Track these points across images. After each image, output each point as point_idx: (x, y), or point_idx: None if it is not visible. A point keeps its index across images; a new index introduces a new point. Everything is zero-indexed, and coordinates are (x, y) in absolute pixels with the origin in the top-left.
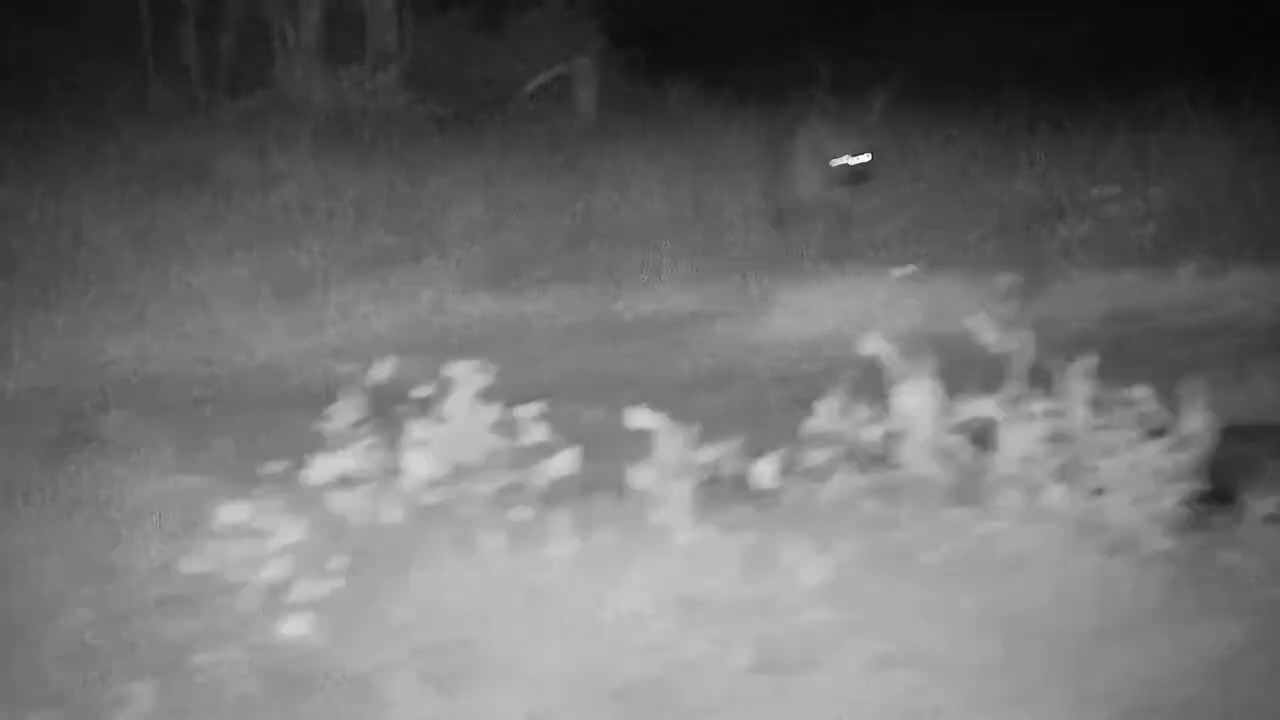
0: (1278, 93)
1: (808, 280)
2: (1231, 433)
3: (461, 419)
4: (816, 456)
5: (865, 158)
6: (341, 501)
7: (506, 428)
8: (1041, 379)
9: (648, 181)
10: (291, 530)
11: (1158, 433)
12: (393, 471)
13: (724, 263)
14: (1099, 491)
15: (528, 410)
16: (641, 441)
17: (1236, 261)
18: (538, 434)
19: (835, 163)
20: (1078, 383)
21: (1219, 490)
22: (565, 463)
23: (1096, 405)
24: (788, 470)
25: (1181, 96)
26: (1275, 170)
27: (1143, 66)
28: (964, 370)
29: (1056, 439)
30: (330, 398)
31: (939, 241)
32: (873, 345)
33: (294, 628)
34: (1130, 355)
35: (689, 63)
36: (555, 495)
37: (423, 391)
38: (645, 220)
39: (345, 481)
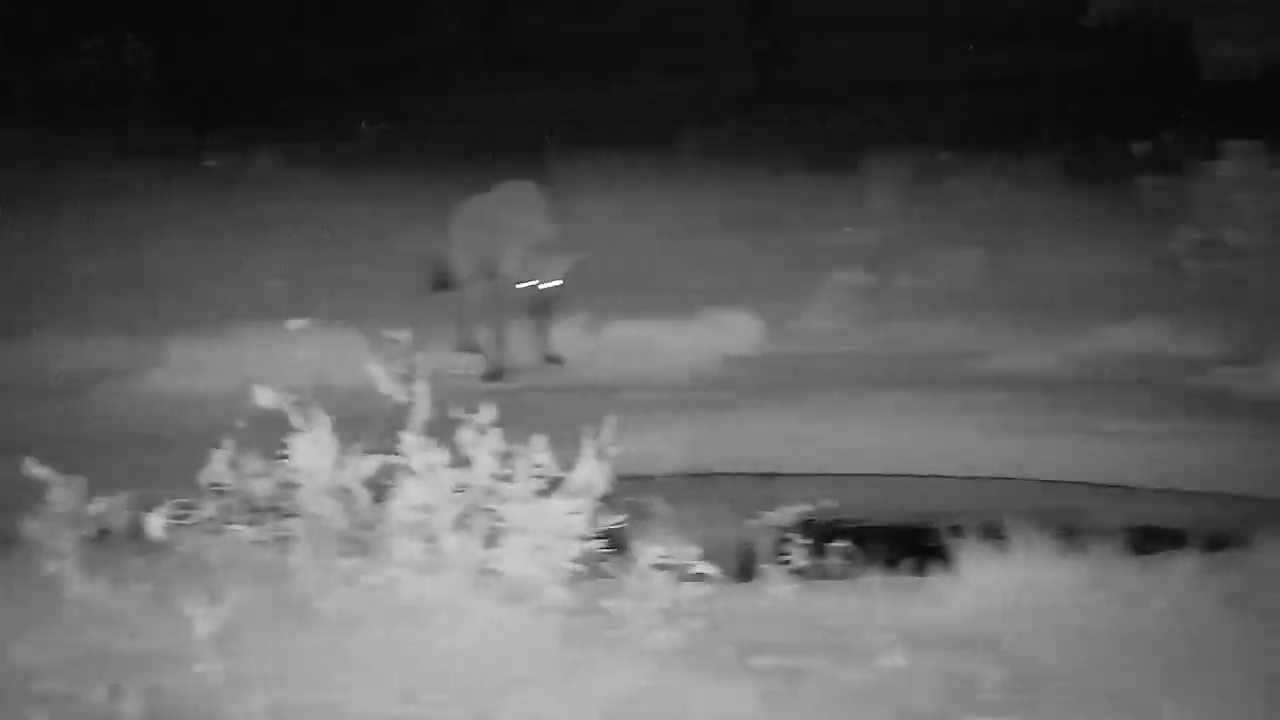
0: None
1: (201, 336)
2: (624, 482)
3: None
4: (210, 508)
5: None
6: None
7: None
8: (440, 430)
9: None
10: None
11: (553, 485)
12: None
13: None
14: (496, 541)
15: None
16: (34, 492)
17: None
18: None
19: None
20: (476, 434)
21: (611, 539)
22: None
23: (494, 457)
24: (180, 522)
25: None
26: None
27: None
28: (362, 421)
29: (454, 489)
30: None
31: (335, 295)
32: (266, 398)
33: None
34: (526, 408)
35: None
36: None
37: None
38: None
39: None
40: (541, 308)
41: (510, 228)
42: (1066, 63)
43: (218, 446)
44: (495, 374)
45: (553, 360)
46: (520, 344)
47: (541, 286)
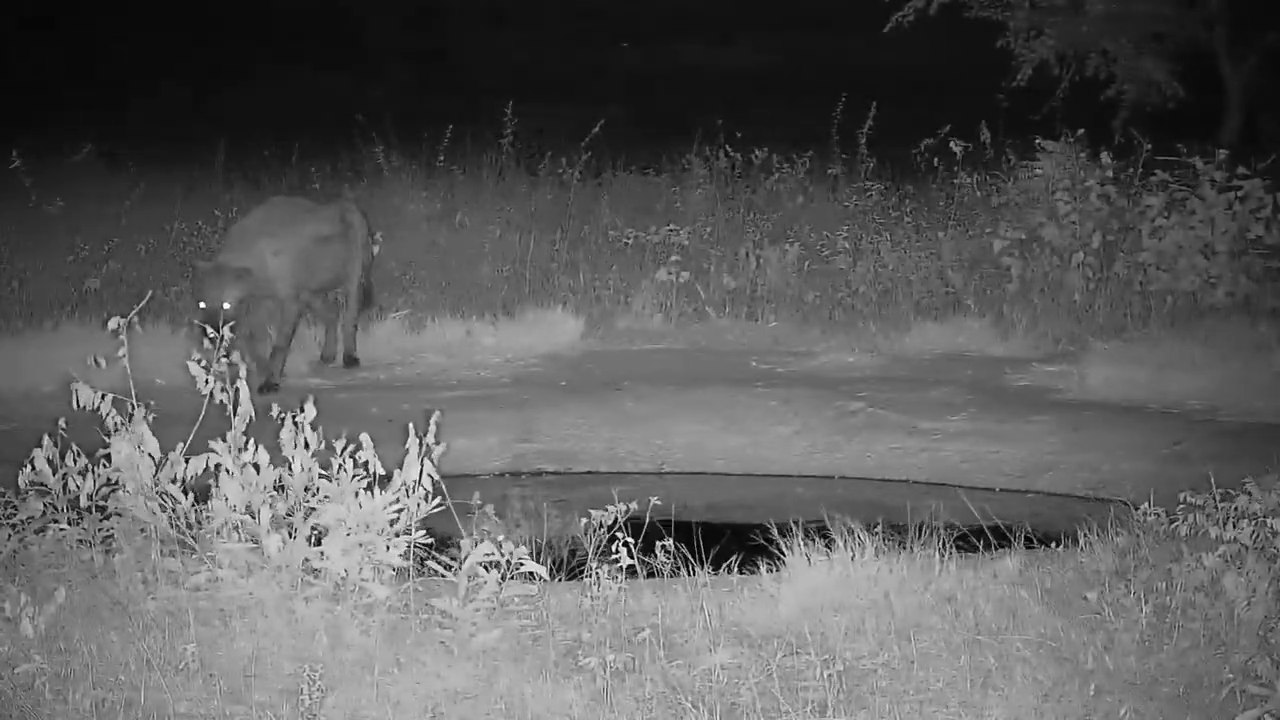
0: None
1: (6, 335)
2: (448, 480)
3: None
4: (30, 507)
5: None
6: None
7: None
8: (262, 430)
9: None
10: None
11: (379, 482)
12: None
13: None
14: (320, 539)
15: None
16: None
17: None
18: None
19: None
20: (299, 432)
21: (437, 537)
22: None
23: (317, 455)
24: (2, 521)
25: None
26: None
27: None
28: (183, 420)
29: (276, 488)
30: None
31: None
32: (85, 396)
33: None
34: (346, 406)
35: None
36: None
37: None
38: None
39: None
40: (337, 310)
41: (276, 240)
42: (881, 59)
43: (38, 445)
44: (269, 386)
45: (351, 362)
46: (323, 345)
47: (204, 307)
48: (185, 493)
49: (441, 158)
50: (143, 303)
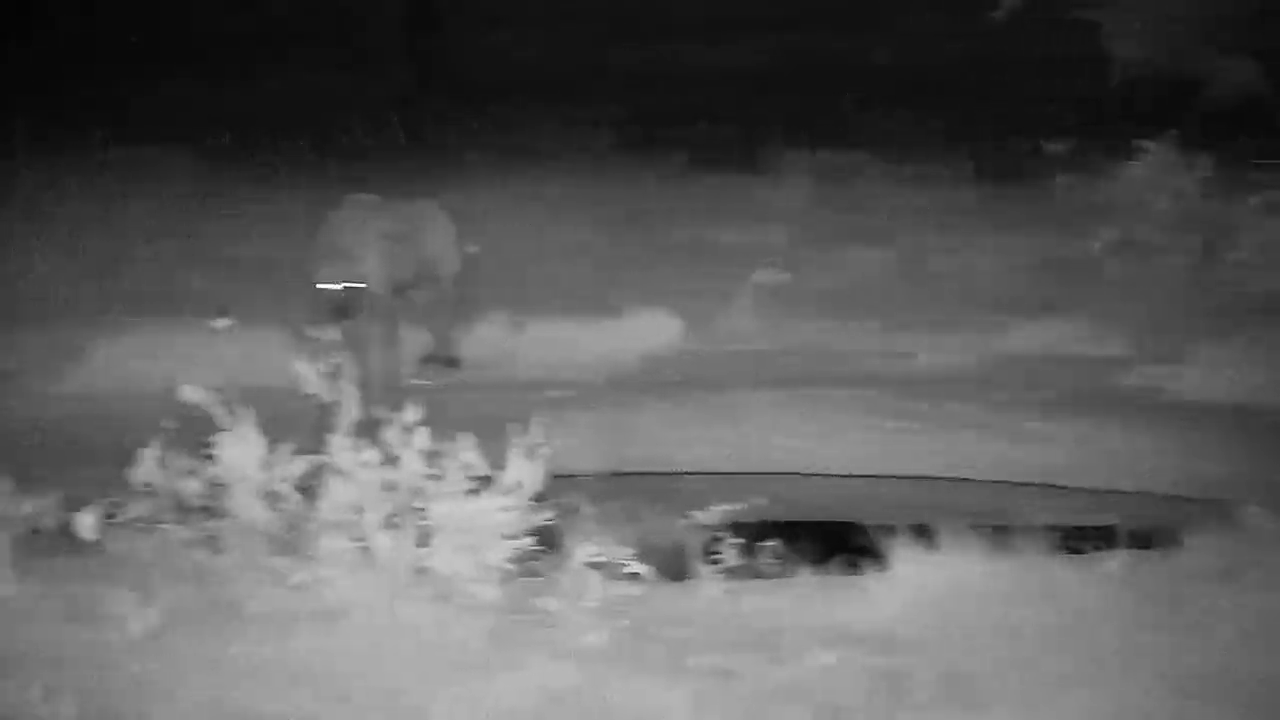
0: None
1: (123, 333)
2: (556, 480)
3: None
4: (139, 508)
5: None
6: None
7: None
8: (369, 429)
9: None
10: None
11: (484, 483)
12: None
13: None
14: (426, 540)
15: None
16: None
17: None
18: None
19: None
20: (405, 433)
21: (543, 537)
22: None
23: (423, 456)
24: (110, 521)
25: None
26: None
27: None
28: (289, 420)
29: (384, 488)
30: None
31: (256, 294)
32: (193, 396)
33: None
34: (451, 407)
35: None
36: None
37: None
38: None
39: None
40: (438, 311)
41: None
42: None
43: (145, 446)
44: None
45: (451, 364)
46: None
47: (339, 288)
48: (292, 493)
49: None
50: (250, 303)
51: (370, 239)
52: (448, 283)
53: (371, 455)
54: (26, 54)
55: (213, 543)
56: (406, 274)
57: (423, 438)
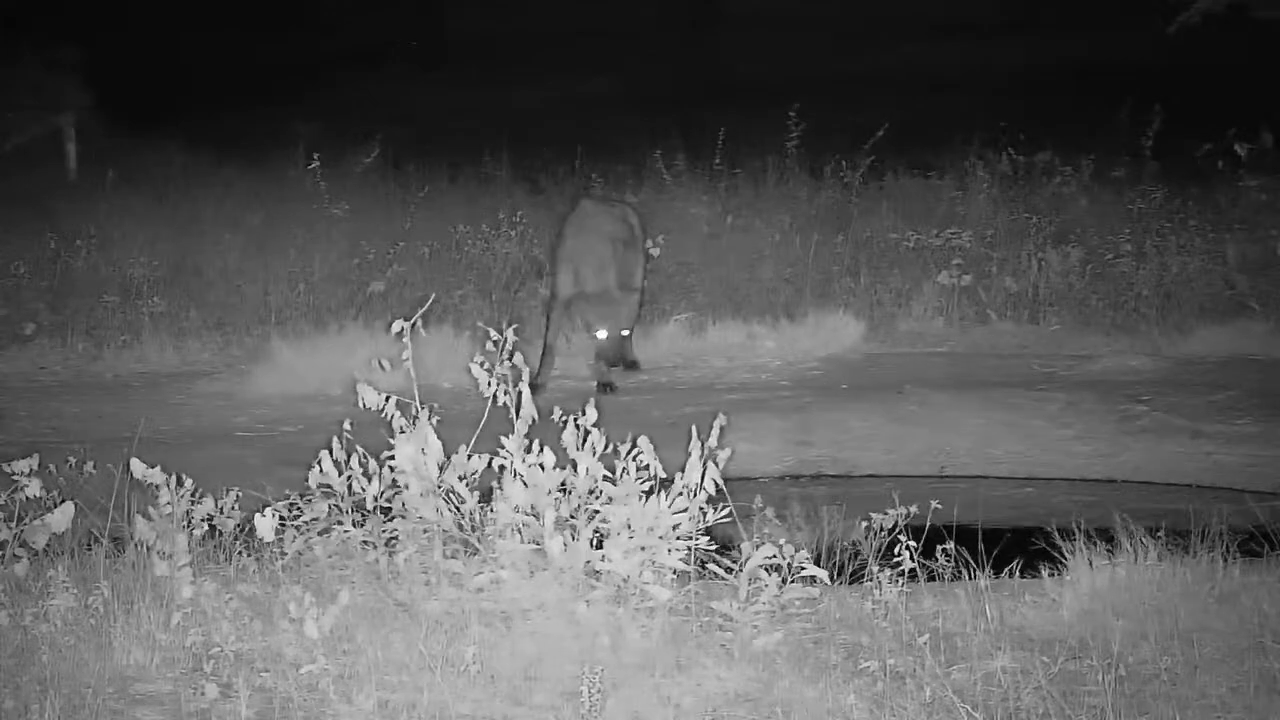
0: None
1: (293, 338)
2: (728, 483)
3: None
4: (317, 509)
5: None
6: None
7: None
8: (544, 432)
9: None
10: None
11: (660, 486)
12: None
13: (207, 322)
14: (602, 542)
15: (19, 466)
16: (141, 495)
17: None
18: (32, 489)
19: None
20: (580, 435)
21: (718, 540)
22: (62, 517)
23: (599, 458)
24: (288, 522)
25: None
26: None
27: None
28: (466, 422)
29: (560, 490)
30: None
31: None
32: (369, 398)
33: None
34: (628, 409)
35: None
36: (52, 549)
37: None
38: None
39: None
40: (621, 313)
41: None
42: (1168, 60)
43: (324, 447)
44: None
45: (631, 366)
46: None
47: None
48: (468, 494)
49: (718, 160)
50: (426, 306)
51: (594, 243)
52: (635, 284)
53: (548, 457)
54: None
55: (390, 544)
56: (608, 276)
57: (599, 439)
